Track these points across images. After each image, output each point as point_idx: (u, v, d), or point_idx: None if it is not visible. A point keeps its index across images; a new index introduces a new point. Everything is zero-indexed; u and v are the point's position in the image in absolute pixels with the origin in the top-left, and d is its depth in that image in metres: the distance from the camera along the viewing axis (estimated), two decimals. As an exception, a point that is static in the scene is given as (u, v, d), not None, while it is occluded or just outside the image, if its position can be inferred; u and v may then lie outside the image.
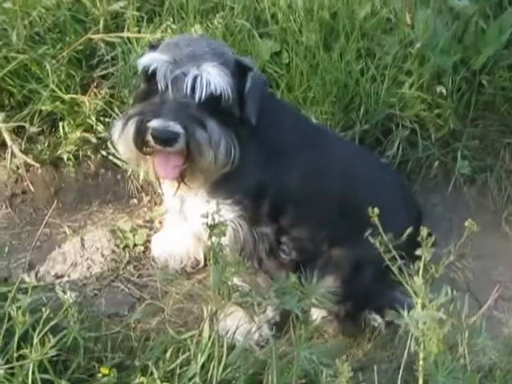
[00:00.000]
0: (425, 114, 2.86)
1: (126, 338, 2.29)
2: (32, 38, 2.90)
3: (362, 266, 2.33)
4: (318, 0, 2.93)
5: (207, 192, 2.21)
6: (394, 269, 1.74)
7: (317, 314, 2.53)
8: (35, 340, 1.77)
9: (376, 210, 1.78)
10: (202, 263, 2.74)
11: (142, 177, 2.88)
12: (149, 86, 2.02)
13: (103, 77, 3.01)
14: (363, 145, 2.86)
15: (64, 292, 1.92)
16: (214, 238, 1.65)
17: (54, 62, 2.86)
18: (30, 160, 2.82)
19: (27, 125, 2.91)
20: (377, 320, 2.54)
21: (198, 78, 1.94)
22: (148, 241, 2.85)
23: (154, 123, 1.91)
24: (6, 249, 2.77)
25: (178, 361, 1.98)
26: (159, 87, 1.97)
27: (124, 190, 3.07)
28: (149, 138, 1.94)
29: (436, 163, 2.92)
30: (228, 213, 2.20)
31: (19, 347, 1.79)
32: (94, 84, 2.98)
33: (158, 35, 2.90)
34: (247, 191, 2.21)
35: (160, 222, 2.93)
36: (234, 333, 2.21)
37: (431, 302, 1.71)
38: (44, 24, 2.92)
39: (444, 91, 2.79)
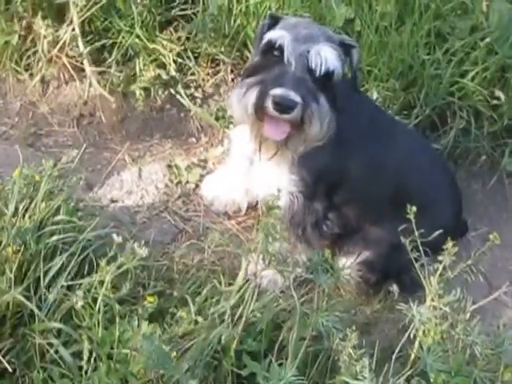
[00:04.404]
0: (482, 105, 2.93)
1: (168, 269, 2.54)
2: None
3: (398, 247, 2.49)
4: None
5: (278, 163, 2.40)
6: (417, 266, 1.95)
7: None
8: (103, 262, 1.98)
9: (414, 208, 2.00)
10: (243, 211, 2.95)
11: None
12: (266, 58, 2.22)
13: (182, 17, 3.16)
14: (418, 126, 2.96)
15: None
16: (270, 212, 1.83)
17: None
18: (104, 92, 3.02)
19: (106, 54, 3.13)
20: (393, 286, 2.74)
21: (319, 56, 2.14)
22: (200, 180, 3.05)
23: (278, 91, 2.09)
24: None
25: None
26: (285, 60, 2.14)
27: (185, 128, 3.26)
28: (268, 104, 2.13)
29: (484, 157, 3.02)
30: (291, 186, 2.45)
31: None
32: (172, 25, 3.14)
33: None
34: (313, 171, 2.43)
35: (213, 164, 3.13)
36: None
37: (440, 299, 1.90)
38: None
39: (502, 96, 2.83)
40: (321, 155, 2.39)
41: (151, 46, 3.10)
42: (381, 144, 2.51)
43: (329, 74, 2.17)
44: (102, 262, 1.87)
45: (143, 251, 1.86)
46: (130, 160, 3.11)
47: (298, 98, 2.09)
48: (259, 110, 2.17)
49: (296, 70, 2.13)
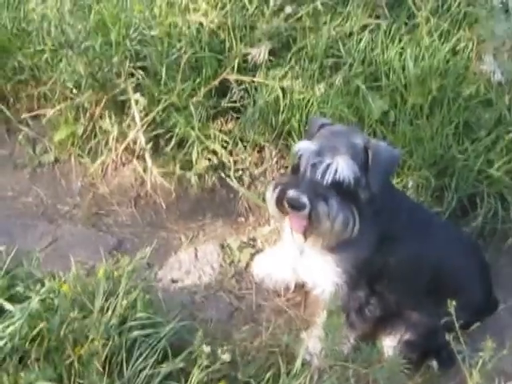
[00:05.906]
0: (508, 192, 3.21)
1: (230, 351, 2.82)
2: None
3: (436, 329, 2.77)
4: (428, 68, 3.28)
5: (323, 253, 2.72)
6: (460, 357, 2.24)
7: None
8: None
9: (453, 303, 2.26)
10: (291, 289, 3.24)
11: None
12: (297, 163, 2.58)
13: (231, 108, 3.48)
14: (450, 211, 3.25)
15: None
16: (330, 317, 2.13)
17: (193, 97, 3.33)
18: (164, 182, 3.31)
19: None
20: (432, 362, 3.02)
21: (329, 167, 2.48)
22: (251, 259, 3.35)
23: (290, 193, 2.49)
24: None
25: None
26: (301, 168, 2.53)
27: (234, 208, 3.57)
28: (285, 203, 2.51)
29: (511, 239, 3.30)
30: (336, 277, 2.77)
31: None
32: (223, 116, 3.46)
33: (285, 83, 3.33)
34: (356, 265, 2.73)
35: (261, 242, 3.44)
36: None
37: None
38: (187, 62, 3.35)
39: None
40: (364, 250, 2.71)
41: (203, 134, 3.41)
42: (419, 239, 2.80)
43: (340, 181, 2.48)
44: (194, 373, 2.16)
45: (227, 357, 2.16)
46: (186, 240, 3.42)
47: (305, 200, 2.45)
48: (281, 207, 2.55)
49: (311, 176, 2.49)
